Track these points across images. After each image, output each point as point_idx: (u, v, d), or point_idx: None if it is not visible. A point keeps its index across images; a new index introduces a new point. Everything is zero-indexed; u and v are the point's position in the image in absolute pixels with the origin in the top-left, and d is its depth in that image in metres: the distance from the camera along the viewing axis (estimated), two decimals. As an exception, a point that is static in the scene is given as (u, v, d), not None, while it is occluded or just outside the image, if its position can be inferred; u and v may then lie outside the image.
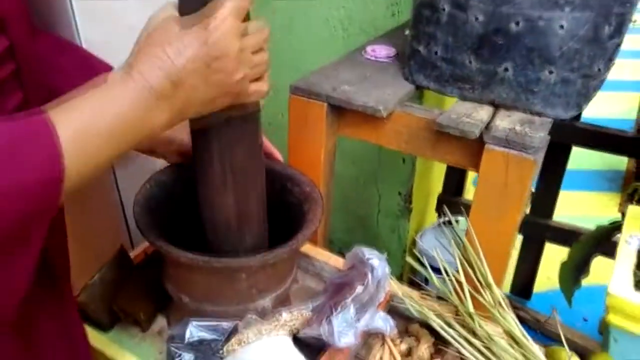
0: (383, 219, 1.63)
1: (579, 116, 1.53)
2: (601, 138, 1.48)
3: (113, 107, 0.43)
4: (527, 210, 1.66)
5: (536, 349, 0.68)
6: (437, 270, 0.77)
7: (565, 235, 1.57)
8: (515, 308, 0.70)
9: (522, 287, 1.76)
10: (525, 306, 1.65)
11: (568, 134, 1.52)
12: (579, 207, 2.15)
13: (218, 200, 0.62)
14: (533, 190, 1.69)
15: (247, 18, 0.51)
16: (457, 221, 0.81)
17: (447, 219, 0.79)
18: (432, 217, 1.76)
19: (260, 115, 0.60)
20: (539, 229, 1.63)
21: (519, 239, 1.73)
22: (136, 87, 0.44)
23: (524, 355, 0.67)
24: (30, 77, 0.48)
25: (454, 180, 1.72)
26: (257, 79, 0.53)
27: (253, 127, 0.60)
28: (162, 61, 0.44)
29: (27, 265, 0.40)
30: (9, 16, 0.44)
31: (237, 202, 0.62)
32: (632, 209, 0.83)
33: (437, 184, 1.71)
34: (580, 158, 2.20)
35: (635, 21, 1.61)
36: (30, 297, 0.43)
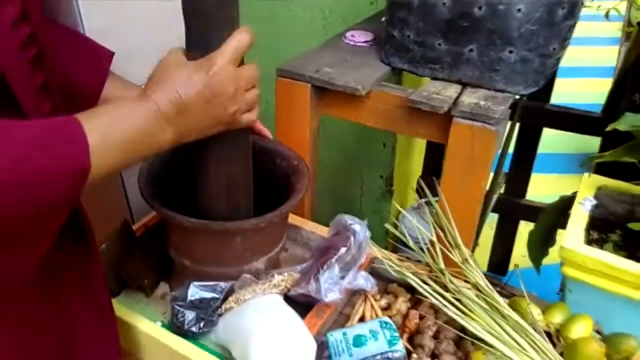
0: (366, 202, 1.71)
1: (548, 99, 1.63)
2: (570, 119, 1.58)
3: (131, 119, 0.52)
4: (502, 190, 1.75)
5: (500, 299, 0.77)
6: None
7: (537, 213, 1.67)
8: (493, 284, 0.78)
9: (498, 265, 1.86)
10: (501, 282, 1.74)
11: (538, 116, 1.61)
12: (552, 189, 2.25)
13: (212, 181, 0.70)
14: (506, 171, 1.79)
15: (242, 60, 0.60)
16: (436, 201, 0.88)
17: (426, 199, 0.87)
18: (412, 198, 1.84)
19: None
20: (512, 208, 1.73)
21: (494, 217, 1.83)
22: (149, 109, 0.53)
23: (489, 304, 0.76)
24: (49, 61, 0.55)
25: (433, 163, 1.81)
26: (249, 110, 0.63)
27: (244, 139, 0.69)
28: (171, 94, 0.55)
29: (51, 235, 0.48)
30: (30, 5, 0.51)
31: (229, 183, 0.70)
32: (586, 177, 0.92)
33: (417, 167, 1.79)
34: (554, 142, 2.30)
35: (599, 6, 1.70)
36: (55, 254, 0.50)
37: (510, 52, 0.81)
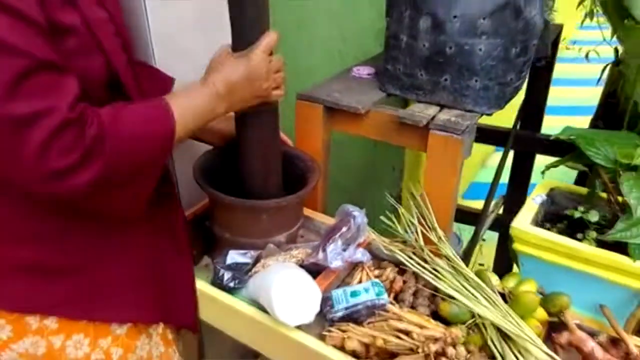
0: (377, 215, 1.95)
1: (539, 130, 1.87)
2: (556, 146, 1.81)
3: (198, 98, 0.80)
4: (500, 211, 1.97)
5: (467, 270, 0.99)
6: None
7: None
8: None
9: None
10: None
11: (530, 144, 1.85)
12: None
13: (252, 158, 0.96)
14: (504, 194, 2.01)
15: (272, 52, 0.88)
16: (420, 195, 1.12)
17: (411, 193, 1.11)
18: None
19: (278, 106, 0.95)
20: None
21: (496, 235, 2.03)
22: (209, 90, 0.81)
23: (456, 270, 0.98)
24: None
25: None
26: (277, 88, 0.90)
27: (274, 113, 0.95)
28: (224, 78, 0.82)
29: (157, 179, 0.75)
30: (119, 21, 0.79)
31: (264, 162, 0.96)
32: (543, 181, 1.15)
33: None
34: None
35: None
36: (153, 199, 0.78)
37: (476, 81, 1.06)
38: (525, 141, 1.88)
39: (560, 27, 1.76)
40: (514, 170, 2.00)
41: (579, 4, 1.77)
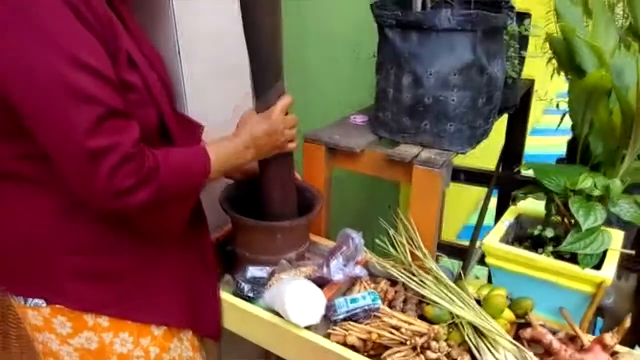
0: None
1: (519, 172, 2.10)
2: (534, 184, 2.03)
3: (230, 147, 1.04)
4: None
5: (447, 280, 1.19)
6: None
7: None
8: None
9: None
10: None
11: (511, 183, 2.07)
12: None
13: (272, 191, 1.18)
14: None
15: (287, 112, 1.12)
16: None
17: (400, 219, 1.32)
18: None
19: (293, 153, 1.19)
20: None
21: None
22: (238, 142, 1.05)
23: (438, 280, 1.17)
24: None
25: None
26: (292, 141, 1.14)
27: (290, 158, 1.19)
28: (249, 133, 1.06)
29: (192, 205, 0.97)
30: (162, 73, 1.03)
31: (283, 195, 1.18)
32: (511, 207, 1.36)
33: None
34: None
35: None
36: (188, 221, 0.99)
37: (450, 125, 1.29)
38: (507, 181, 2.10)
39: (531, 82, 2.02)
40: (500, 208, 2.21)
41: (548, 61, 2.03)
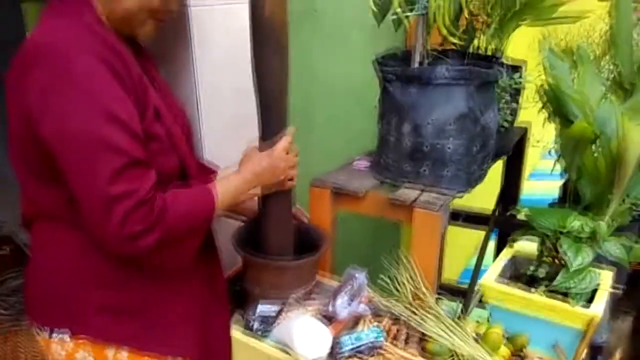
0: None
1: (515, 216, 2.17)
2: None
3: (233, 183, 1.12)
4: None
5: (446, 316, 1.25)
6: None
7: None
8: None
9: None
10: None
11: (509, 226, 2.14)
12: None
13: (271, 226, 1.26)
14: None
15: (288, 152, 1.21)
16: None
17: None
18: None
19: (292, 191, 1.27)
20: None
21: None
22: (242, 178, 1.14)
23: (437, 318, 1.24)
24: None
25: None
26: (291, 179, 1.23)
27: (289, 195, 1.26)
28: (251, 169, 1.15)
29: (200, 241, 1.05)
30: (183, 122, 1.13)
31: (280, 230, 1.26)
32: (507, 248, 1.43)
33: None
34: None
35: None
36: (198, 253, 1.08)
37: (447, 170, 1.39)
38: (505, 223, 2.18)
39: (525, 128, 2.13)
40: (499, 250, 2.28)
41: (540, 109, 2.15)
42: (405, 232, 2.42)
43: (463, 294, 2.27)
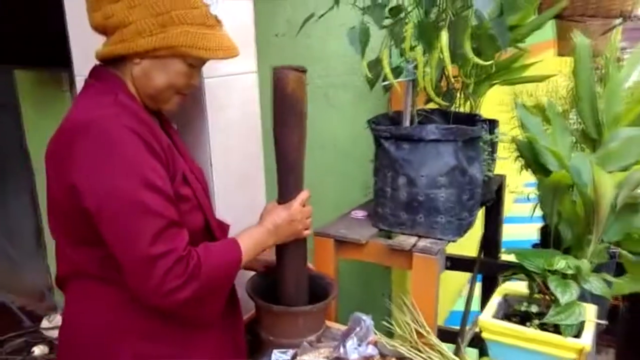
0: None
1: (498, 256, 2.31)
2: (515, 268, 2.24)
3: (256, 234, 1.23)
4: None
5: (450, 353, 1.34)
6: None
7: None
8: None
9: None
10: None
11: (493, 268, 2.27)
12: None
13: (288, 274, 1.35)
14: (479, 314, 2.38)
15: (304, 204, 1.32)
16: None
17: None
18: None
19: (307, 241, 1.37)
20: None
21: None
22: (263, 230, 1.24)
23: (442, 355, 1.33)
24: None
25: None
26: (307, 229, 1.33)
27: (304, 246, 1.36)
28: (272, 220, 1.26)
29: (228, 292, 1.14)
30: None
31: (297, 279, 1.35)
32: (499, 288, 1.55)
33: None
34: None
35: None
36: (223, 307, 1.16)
37: (441, 218, 1.52)
38: (489, 266, 2.30)
39: (502, 178, 2.30)
40: (484, 291, 2.39)
41: (515, 160, 2.33)
42: (397, 277, 2.52)
43: (452, 335, 2.35)
